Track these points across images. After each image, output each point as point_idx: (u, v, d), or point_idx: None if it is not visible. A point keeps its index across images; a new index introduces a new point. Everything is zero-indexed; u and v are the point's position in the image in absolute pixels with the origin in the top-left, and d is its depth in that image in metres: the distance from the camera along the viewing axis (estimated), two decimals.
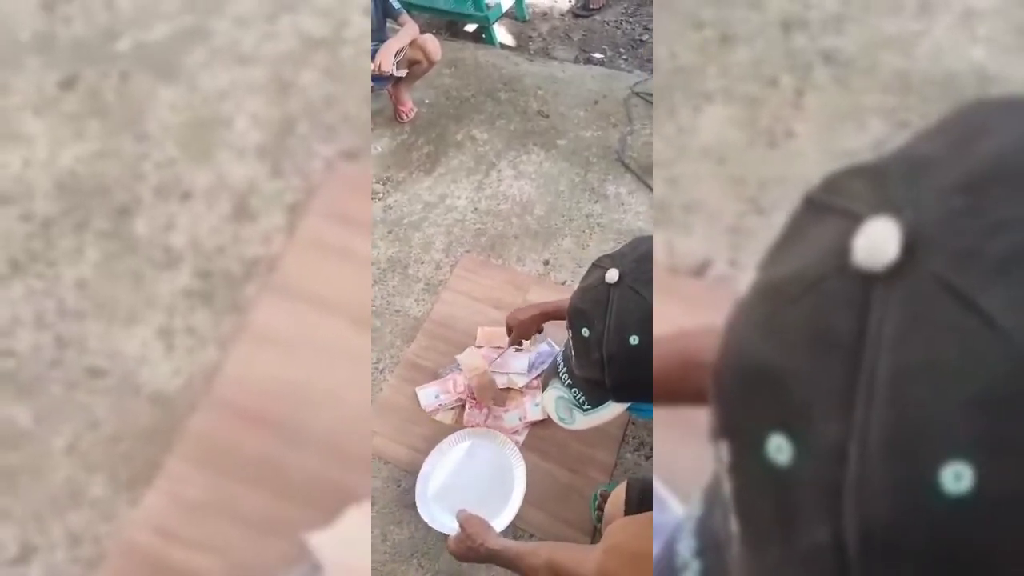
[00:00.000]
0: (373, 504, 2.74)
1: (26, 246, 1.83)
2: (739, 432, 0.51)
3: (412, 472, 2.81)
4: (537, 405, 2.91)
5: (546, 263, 3.59)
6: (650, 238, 1.76)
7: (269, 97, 1.99)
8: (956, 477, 0.39)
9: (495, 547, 1.91)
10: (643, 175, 3.94)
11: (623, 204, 3.81)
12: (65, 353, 1.76)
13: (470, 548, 1.96)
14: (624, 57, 5.36)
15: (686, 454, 1.46)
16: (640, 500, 2.03)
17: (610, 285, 1.60)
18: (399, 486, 2.79)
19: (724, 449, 0.52)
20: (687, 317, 1.67)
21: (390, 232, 3.87)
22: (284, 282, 1.86)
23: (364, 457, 1.72)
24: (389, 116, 4.70)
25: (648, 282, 1.59)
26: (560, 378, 1.79)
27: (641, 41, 5.59)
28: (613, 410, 1.72)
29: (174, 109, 1.97)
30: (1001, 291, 0.40)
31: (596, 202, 3.87)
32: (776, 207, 1.76)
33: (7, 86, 1.93)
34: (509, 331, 2.79)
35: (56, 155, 1.90)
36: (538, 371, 3.01)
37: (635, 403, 1.73)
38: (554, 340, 3.11)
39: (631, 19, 5.87)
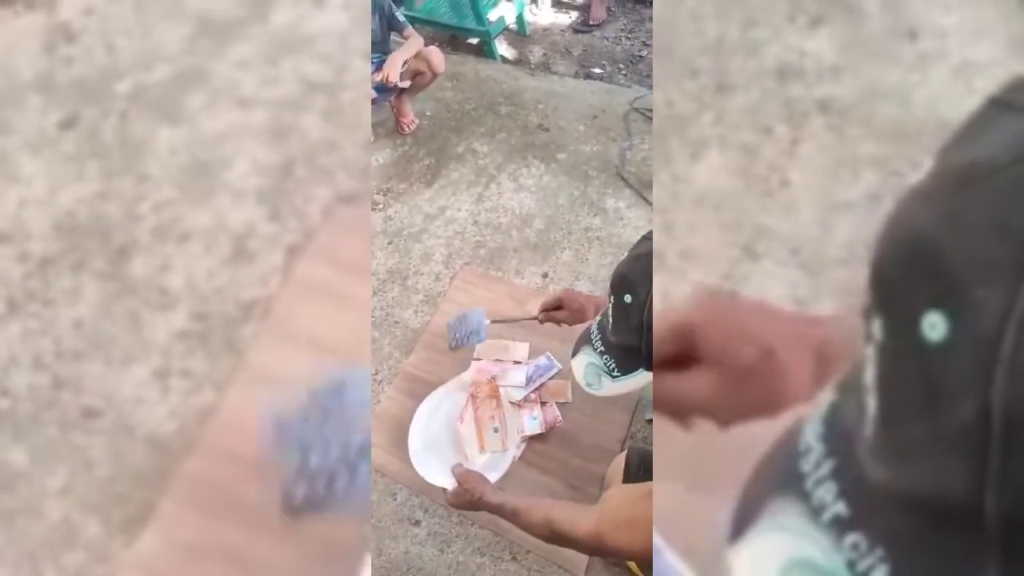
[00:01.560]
0: None
1: (23, 286, 1.82)
2: (895, 308, 0.52)
3: (408, 485, 2.79)
4: (535, 419, 2.89)
5: (545, 276, 3.60)
6: None
7: (268, 140, 2.00)
8: None
9: (493, 501, 1.94)
10: (642, 190, 3.97)
11: (622, 218, 3.83)
12: (61, 393, 1.76)
13: (469, 502, 2.00)
14: (623, 72, 5.42)
15: (689, 508, 1.48)
16: (639, 468, 2.07)
17: None
18: (395, 499, 2.77)
19: (876, 326, 0.53)
20: None
21: (390, 243, 3.88)
22: (280, 325, 1.86)
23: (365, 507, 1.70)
24: (391, 128, 4.73)
25: None
26: (592, 345, 1.79)
27: (640, 57, 5.66)
28: (642, 379, 1.71)
29: (173, 151, 1.97)
30: None
31: (595, 216, 3.89)
32: (770, 255, 1.76)
33: (7, 125, 1.94)
34: (557, 304, 2.63)
35: (54, 195, 1.90)
36: (536, 384, 3.01)
37: None
38: (553, 355, 3.13)
39: (630, 35, 5.95)
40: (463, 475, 2.07)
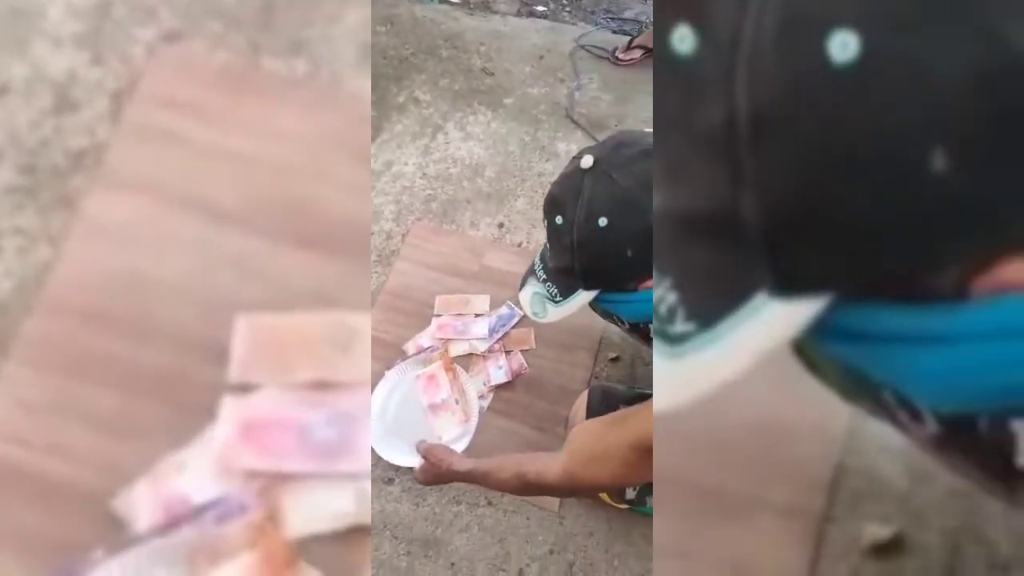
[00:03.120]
0: None
1: None
2: (654, 31, 0.53)
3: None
4: (500, 368, 2.94)
5: (501, 226, 3.57)
6: (630, 131, 1.78)
7: None
8: (843, 46, 0.40)
9: (462, 468, 1.96)
10: (593, 131, 3.94)
11: None
12: None
13: (438, 475, 2.01)
14: (567, 9, 5.18)
15: None
16: (601, 403, 2.17)
17: (584, 171, 1.64)
18: None
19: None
20: None
21: None
22: (113, 172, 1.80)
23: (216, 346, 1.67)
24: None
25: (622, 166, 1.60)
26: (536, 275, 1.90)
27: None
28: (582, 300, 1.81)
29: None
30: None
31: (547, 160, 3.85)
32: None
33: None
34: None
35: None
36: (499, 335, 3.04)
37: (603, 292, 1.80)
38: (513, 302, 3.12)
39: None
40: (428, 450, 2.07)
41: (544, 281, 1.85)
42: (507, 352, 2.99)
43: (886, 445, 1.67)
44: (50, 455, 1.58)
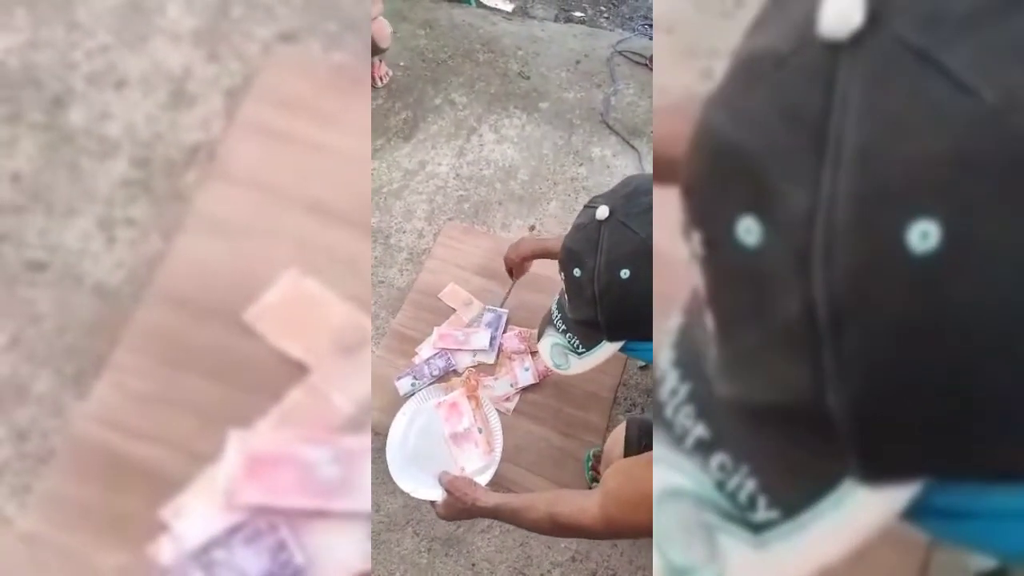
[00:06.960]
0: None
1: None
2: (709, 219, 0.51)
3: None
4: (527, 370, 2.90)
5: (532, 228, 3.56)
6: (642, 175, 1.74)
7: None
8: (923, 236, 0.39)
9: (488, 504, 1.89)
10: (628, 136, 3.90)
11: (608, 167, 3.77)
12: (3, 248, 1.73)
13: (462, 510, 1.95)
14: (605, 15, 5.22)
15: None
16: (639, 440, 2.02)
17: (600, 222, 1.59)
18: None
19: (696, 241, 0.52)
20: None
21: None
22: (226, 168, 1.83)
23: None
24: None
25: (638, 215, 1.56)
26: (555, 325, 1.81)
27: None
28: (607, 351, 1.73)
29: None
30: (964, 49, 0.39)
31: (581, 165, 3.82)
32: None
33: None
34: (509, 271, 2.83)
35: None
36: (500, 338, 3.05)
37: (628, 342, 1.73)
38: (485, 302, 3.03)
39: None
40: (451, 483, 2.01)
41: (564, 332, 1.78)
42: (532, 353, 2.95)
43: None
44: (153, 443, 1.60)
